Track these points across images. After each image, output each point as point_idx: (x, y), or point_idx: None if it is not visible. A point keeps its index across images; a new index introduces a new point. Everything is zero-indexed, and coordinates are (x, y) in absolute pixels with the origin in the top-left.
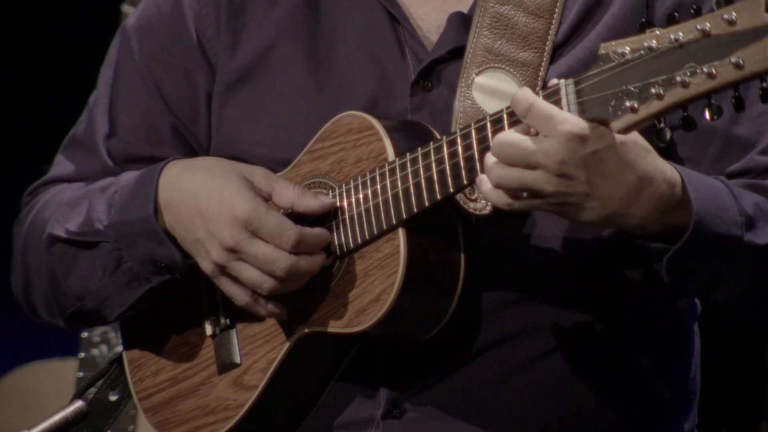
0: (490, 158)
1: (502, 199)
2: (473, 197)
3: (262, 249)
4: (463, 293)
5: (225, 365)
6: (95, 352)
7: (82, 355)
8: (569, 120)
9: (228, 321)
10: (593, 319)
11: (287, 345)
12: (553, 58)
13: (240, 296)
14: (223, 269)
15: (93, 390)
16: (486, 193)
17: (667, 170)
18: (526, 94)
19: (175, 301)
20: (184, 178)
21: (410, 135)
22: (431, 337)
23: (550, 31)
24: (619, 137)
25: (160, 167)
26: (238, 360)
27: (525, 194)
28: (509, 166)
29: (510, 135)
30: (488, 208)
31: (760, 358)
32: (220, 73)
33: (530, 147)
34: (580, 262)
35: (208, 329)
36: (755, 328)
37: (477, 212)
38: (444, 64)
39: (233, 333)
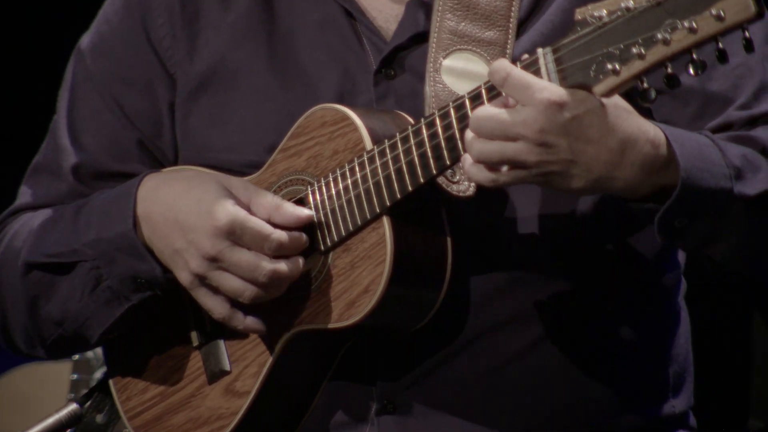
0: (469, 134)
1: (485, 175)
2: (455, 179)
3: (244, 256)
4: (452, 282)
5: (215, 374)
6: (89, 354)
7: (76, 357)
8: (546, 87)
9: (214, 329)
10: (581, 303)
11: (278, 347)
12: (517, 34)
13: (218, 309)
14: (202, 280)
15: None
16: (468, 171)
17: (650, 130)
18: (504, 64)
19: (158, 315)
20: (161, 191)
21: (386, 123)
22: (421, 329)
23: (513, 8)
24: (598, 100)
25: (138, 181)
26: (227, 367)
27: (507, 168)
28: (489, 140)
29: (487, 109)
30: (471, 190)
31: (745, 350)
32: (180, 83)
33: (508, 119)
34: (566, 245)
35: (195, 339)
36: (738, 319)
37: (460, 194)
38: (406, 51)
39: (220, 341)
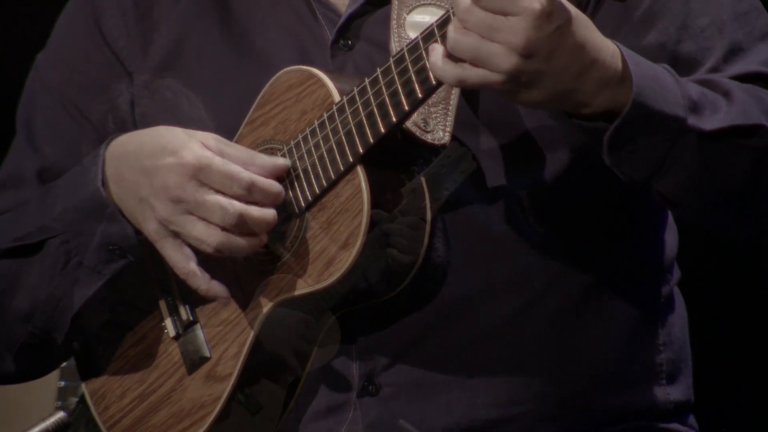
0: (452, 24)
1: (452, 69)
2: (429, 129)
3: (211, 196)
4: (429, 249)
5: (195, 363)
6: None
7: (63, 363)
8: None
9: (190, 316)
10: (566, 276)
11: (258, 322)
12: None
13: (182, 263)
14: (167, 226)
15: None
16: (435, 63)
17: (610, 44)
18: None
19: (130, 316)
20: (130, 145)
21: (351, 80)
22: (399, 303)
23: None
24: (573, 11)
25: (106, 142)
26: (207, 353)
27: (478, 68)
28: (470, 32)
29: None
30: (446, 137)
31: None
32: (138, 78)
33: (496, 21)
34: (552, 216)
35: (171, 330)
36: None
37: (435, 142)
38: (362, 19)
39: (198, 327)
